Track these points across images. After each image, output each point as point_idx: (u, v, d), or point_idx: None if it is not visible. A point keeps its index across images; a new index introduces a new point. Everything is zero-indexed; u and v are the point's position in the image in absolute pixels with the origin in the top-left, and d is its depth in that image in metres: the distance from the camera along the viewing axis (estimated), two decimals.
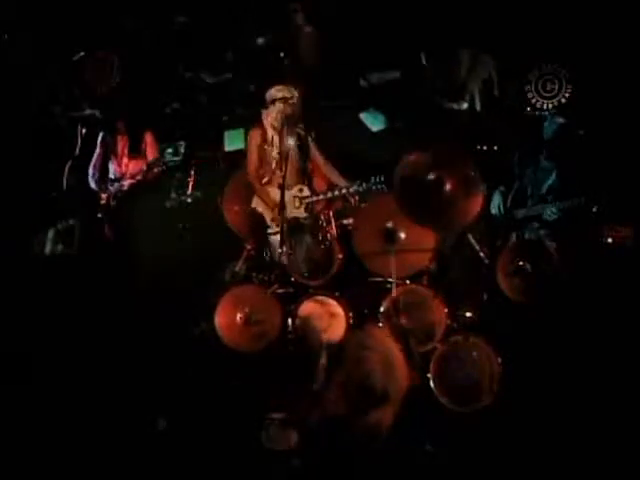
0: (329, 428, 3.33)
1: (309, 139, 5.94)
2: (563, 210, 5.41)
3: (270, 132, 5.97)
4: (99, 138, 6.64)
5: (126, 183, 6.46)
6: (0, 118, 6.84)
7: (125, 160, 6.53)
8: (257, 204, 6.01)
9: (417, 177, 5.17)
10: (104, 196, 6.47)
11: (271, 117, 5.93)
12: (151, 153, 6.55)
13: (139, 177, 6.45)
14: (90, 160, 6.61)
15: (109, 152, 6.57)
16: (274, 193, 5.87)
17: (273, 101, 5.91)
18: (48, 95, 7.18)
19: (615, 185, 5.52)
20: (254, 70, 7.10)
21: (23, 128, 6.94)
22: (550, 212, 5.46)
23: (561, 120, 5.67)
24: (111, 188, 6.47)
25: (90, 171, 6.60)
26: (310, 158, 5.96)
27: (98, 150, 6.62)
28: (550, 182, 5.63)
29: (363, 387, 3.23)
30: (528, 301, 5.31)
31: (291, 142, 5.82)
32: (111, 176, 6.53)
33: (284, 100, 5.88)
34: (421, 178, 5.17)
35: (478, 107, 6.60)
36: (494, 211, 5.78)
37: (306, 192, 5.88)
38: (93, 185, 6.57)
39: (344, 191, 5.72)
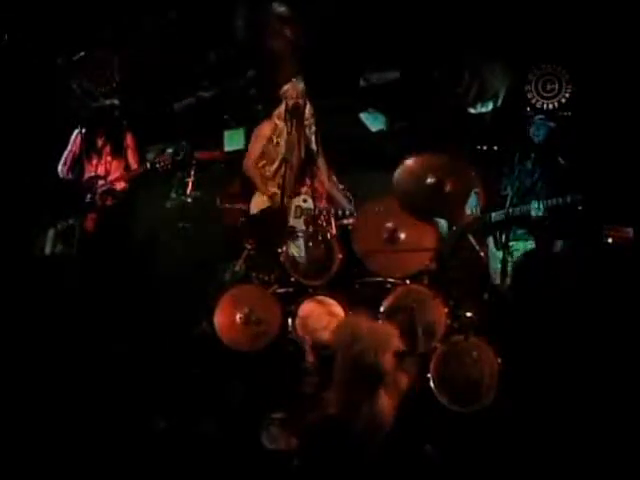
0: (328, 428, 3.34)
1: (317, 144, 5.91)
2: (549, 209, 5.42)
3: (279, 126, 5.96)
4: (74, 134, 6.61)
5: (117, 183, 6.44)
6: (1, 117, 6.85)
7: (109, 159, 6.51)
8: (256, 203, 6.00)
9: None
10: (91, 194, 6.43)
11: (278, 112, 5.95)
12: (132, 154, 6.54)
13: (123, 177, 6.44)
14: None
15: (90, 150, 6.54)
16: (276, 196, 5.85)
17: (281, 97, 5.95)
18: (63, 90, 7.18)
19: (613, 185, 5.54)
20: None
21: (23, 128, 6.94)
22: (535, 210, 5.47)
23: (551, 124, 5.67)
24: (96, 186, 6.44)
25: (62, 168, 6.57)
26: (315, 162, 5.94)
27: (71, 147, 6.58)
28: (530, 183, 5.64)
29: (358, 368, 3.30)
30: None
31: (299, 140, 5.85)
32: (91, 174, 6.49)
33: (287, 95, 5.92)
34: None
35: (499, 104, 6.63)
36: (469, 212, 5.71)
37: (309, 204, 5.83)
38: (63, 176, 6.55)
39: (347, 213, 5.70)
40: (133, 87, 7.23)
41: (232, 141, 7.05)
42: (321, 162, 5.94)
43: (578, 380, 5.02)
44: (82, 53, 7.26)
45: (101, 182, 6.41)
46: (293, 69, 6.34)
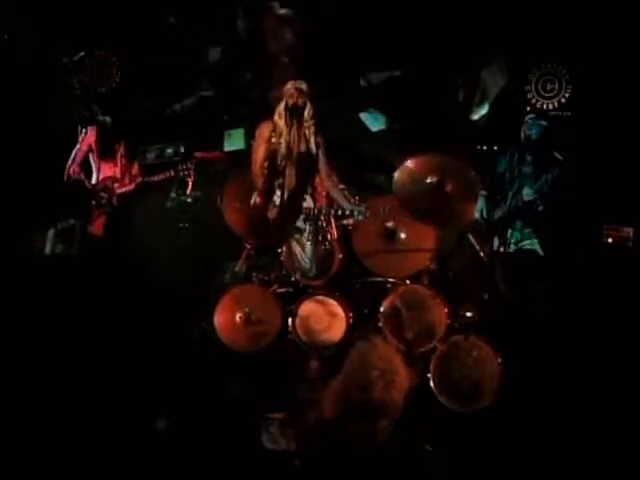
0: (327, 429, 3.33)
1: (318, 144, 5.87)
2: (537, 191, 5.46)
3: (278, 126, 5.92)
4: (82, 133, 6.62)
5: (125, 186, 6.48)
6: (1, 117, 6.85)
7: (123, 161, 6.55)
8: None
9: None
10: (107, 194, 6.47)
11: (278, 110, 5.91)
12: (121, 167, 6.59)
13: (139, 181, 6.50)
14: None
15: (104, 151, 6.57)
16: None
17: (282, 96, 5.92)
18: (57, 95, 7.19)
19: (612, 184, 5.55)
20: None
21: (23, 128, 6.94)
22: (527, 195, 5.53)
23: (544, 123, 5.70)
24: (111, 187, 6.47)
25: (72, 167, 6.58)
26: (315, 162, 5.90)
27: (80, 145, 6.59)
28: (530, 182, 5.66)
29: (360, 399, 3.26)
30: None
31: (298, 141, 5.80)
32: (107, 175, 6.53)
33: (289, 93, 5.87)
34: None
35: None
36: (477, 216, 5.72)
37: (309, 203, 5.80)
38: (72, 175, 6.57)
39: (347, 213, 5.65)
40: (133, 87, 7.23)
41: (232, 141, 7.04)
42: (321, 162, 5.88)
43: (578, 379, 5.02)
44: (82, 53, 7.26)
45: (117, 184, 6.46)
46: (292, 70, 6.33)
